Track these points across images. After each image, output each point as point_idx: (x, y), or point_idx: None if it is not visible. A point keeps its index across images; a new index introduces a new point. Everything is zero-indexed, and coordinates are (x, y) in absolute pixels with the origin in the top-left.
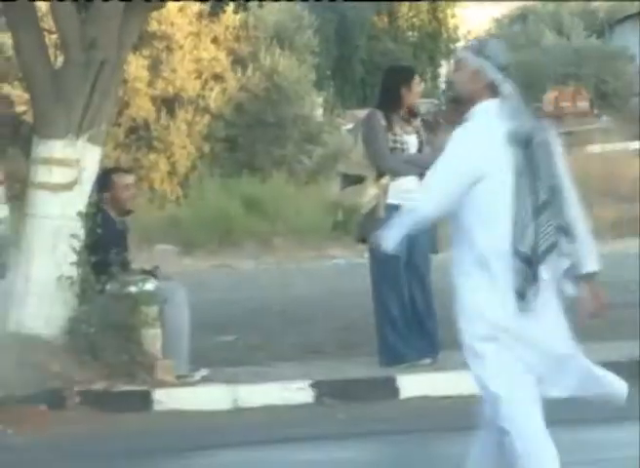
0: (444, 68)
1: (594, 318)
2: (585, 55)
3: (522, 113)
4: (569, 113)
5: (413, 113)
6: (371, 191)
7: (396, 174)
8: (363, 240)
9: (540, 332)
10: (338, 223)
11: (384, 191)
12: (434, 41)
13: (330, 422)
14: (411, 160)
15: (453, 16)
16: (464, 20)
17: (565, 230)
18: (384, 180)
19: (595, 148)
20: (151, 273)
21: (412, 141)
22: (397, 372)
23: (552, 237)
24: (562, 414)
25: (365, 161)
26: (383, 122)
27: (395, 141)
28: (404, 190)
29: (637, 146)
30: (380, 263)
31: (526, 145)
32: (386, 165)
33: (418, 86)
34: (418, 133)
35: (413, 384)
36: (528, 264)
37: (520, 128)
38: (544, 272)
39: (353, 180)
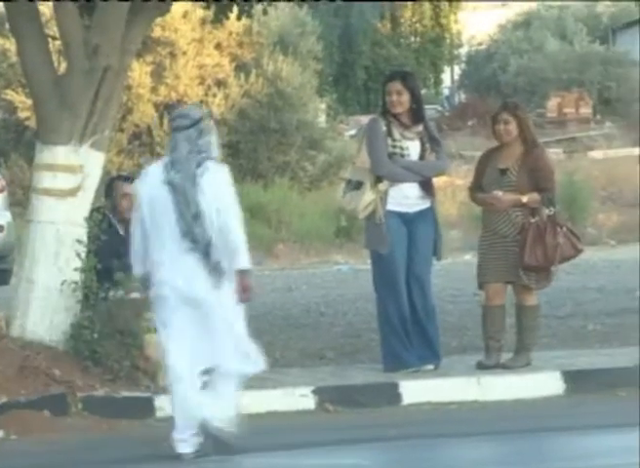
0: (447, 74)
1: None
2: (589, 60)
3: None
4: (572, 119)
5: (416, 119)
6: (368, 197)
7: (392, 179)
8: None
9: None
10: (341, 229)
11: (382, 197)
12: (437, 47)
13: (332, 428)
14: (409, 166)
15: (456, 21)
16: (468, 26)
17: None
18: (382, 186)
19: (598, 154)
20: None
21: (413, 147)
22: (400, 378)
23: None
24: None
25: (368, 167)
26: (384, 127)
27: (395, 147)
28: (403, 196)
29: None
30: (380, 269)
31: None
32: (381, 170)
33: (393, 92)
34: (421, 139)
35: (416, 390)
36: None
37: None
38: None
39: (355, 186)
